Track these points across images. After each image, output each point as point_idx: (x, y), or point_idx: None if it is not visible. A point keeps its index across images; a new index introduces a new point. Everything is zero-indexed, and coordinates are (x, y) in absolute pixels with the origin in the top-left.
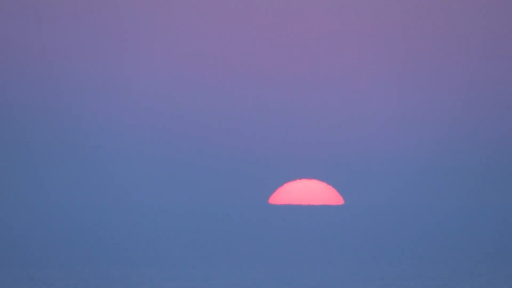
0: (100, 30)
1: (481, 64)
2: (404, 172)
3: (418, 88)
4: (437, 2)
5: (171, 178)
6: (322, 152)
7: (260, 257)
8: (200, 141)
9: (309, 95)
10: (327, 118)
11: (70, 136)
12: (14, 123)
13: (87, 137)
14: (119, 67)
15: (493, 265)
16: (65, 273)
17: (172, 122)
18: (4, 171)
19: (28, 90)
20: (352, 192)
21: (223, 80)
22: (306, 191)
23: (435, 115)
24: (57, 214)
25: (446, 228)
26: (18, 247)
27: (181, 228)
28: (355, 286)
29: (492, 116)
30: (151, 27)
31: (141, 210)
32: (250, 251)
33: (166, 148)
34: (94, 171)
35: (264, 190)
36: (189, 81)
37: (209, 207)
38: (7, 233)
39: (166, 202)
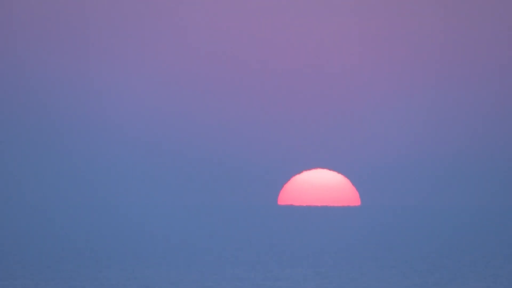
0: (86, 29)
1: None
2: (432, 171)
3: (453, 88)
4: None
5: (170, 179)
6: (341, 144)
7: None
8: (198, 137)
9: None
10: (350, 109)
11: (71, 137)
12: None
13: (89, 138)
14: (117, 65)
15: None
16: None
17: (171, 122)
18: None
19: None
20: (370, 186)
21: (225, 79)
22: (320, 188)
23: (470, 115)
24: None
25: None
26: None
27: (183, 231)
28: None
29: None
30: (144, 26)
31: (138, 211)
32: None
33: (165, 149)
34: (99, 172)
35: (274, 182)
36: (189, 78)
37: (212, 209)
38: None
39: (163, 204)
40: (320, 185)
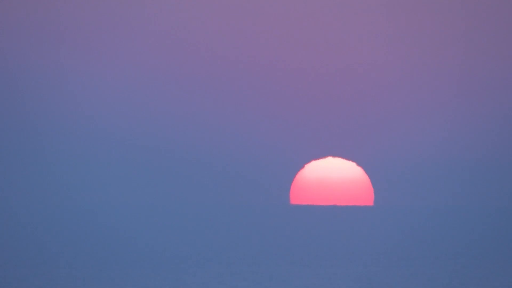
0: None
1: None
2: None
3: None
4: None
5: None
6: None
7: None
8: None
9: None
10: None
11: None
12: None
13: (89, 137)
14: (118, 63)
15: None
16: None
17: (173, 123)
18: None
19: None
20: (386, 183)
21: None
22: (334, 182)
23: (496, 116)
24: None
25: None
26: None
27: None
28: None
29: None
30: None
31: (142, 212)
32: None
33: (169, 148)
34: (101, 171)
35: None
36: (192, 77)
37: (221, 210)
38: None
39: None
40: (334, 179)
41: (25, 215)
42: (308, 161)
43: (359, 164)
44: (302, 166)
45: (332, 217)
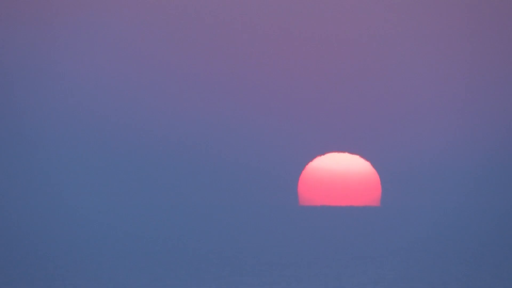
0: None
1: None
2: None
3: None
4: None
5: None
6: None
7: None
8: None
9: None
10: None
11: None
12: None
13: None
14: (122, 62)
15: None
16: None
17: (177, 122)
18: None
19: None
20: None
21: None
22: (342, 181)
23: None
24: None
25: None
26: None
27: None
28: None
29: None
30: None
31: (146, 214)
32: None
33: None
34: (107, 171)
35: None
36: (191, 75)
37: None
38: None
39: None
40: (343, 176)
41: (23, 216)
42: (314, 156)
43: (368, 161)
44: (306, 164)
45: (343, 219)
